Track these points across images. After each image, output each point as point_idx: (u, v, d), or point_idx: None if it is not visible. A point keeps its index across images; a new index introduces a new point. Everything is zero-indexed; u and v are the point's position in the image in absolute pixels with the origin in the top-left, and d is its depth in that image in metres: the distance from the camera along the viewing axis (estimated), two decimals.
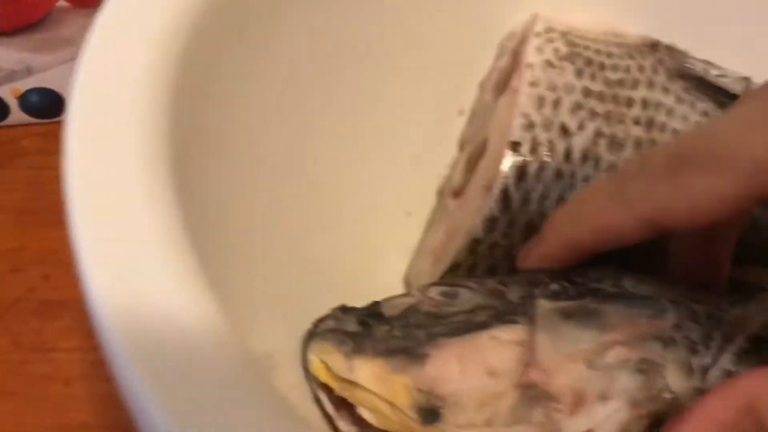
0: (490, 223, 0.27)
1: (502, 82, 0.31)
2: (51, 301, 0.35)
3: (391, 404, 0.22)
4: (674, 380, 0.22)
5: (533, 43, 0.30)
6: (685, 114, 0.30)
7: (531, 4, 0.32)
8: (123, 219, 0.17)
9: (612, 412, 0.21)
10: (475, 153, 0.31)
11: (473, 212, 0.28)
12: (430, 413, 0.21)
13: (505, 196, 0.27)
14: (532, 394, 0.21)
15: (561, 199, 0.28)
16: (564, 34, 0.31)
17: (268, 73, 0.25)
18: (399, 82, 0.31)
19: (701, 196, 0.21)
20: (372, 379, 0.22)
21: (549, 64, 0.29)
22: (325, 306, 0.24)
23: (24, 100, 0.38)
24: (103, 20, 0.21)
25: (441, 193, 0.34)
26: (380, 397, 0.22)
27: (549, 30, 0.31)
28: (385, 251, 0.31)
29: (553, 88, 0.29)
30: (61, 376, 0.32)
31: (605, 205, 0.23)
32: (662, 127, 0.30)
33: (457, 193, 0.31)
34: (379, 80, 0.30)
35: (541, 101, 0.28)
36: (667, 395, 0.22)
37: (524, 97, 0.28)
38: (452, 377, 0.22)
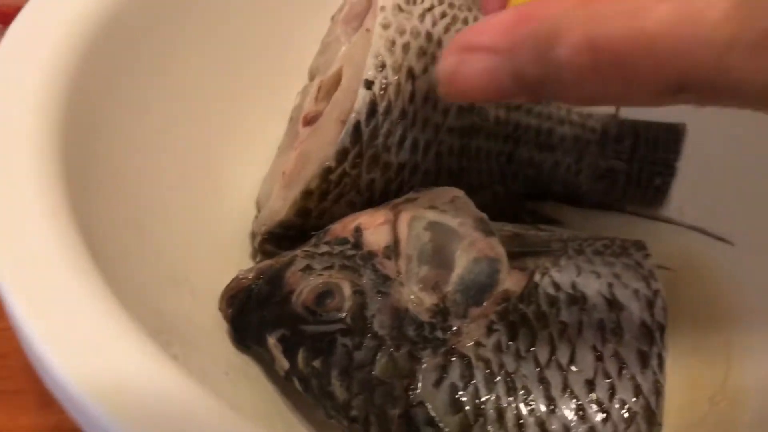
0: (342, 154, 0.30)
1: (353, 17, 0.33)
2: None
3: None
4: None
5: None
6: None
7: None
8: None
9: None
10: (326, 83, 0.33)
11: (327, 143, 0.30)
12: None
13: (356, 130, 0.30)
14: None
15: (404, 137, 0.31)
16: None
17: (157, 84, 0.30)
18: None
19: None
20: None
21: (399, 8, 0.31)
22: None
23: None
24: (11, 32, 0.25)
25: (292, 120, 0.35)
26: None
27: None
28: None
29: (402, 32, 0.31)
30: None
31: None
32: None
33: (309, 121, 0.32)
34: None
35: (392, 44, 0.31)
36: None
37: (377, 38, 0.30)
38: None
